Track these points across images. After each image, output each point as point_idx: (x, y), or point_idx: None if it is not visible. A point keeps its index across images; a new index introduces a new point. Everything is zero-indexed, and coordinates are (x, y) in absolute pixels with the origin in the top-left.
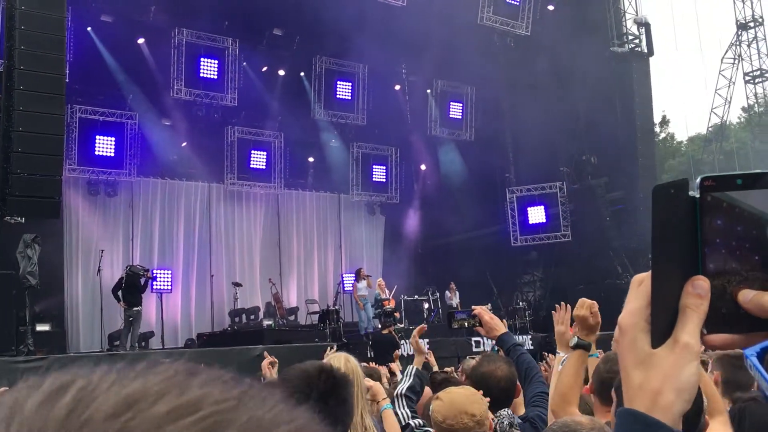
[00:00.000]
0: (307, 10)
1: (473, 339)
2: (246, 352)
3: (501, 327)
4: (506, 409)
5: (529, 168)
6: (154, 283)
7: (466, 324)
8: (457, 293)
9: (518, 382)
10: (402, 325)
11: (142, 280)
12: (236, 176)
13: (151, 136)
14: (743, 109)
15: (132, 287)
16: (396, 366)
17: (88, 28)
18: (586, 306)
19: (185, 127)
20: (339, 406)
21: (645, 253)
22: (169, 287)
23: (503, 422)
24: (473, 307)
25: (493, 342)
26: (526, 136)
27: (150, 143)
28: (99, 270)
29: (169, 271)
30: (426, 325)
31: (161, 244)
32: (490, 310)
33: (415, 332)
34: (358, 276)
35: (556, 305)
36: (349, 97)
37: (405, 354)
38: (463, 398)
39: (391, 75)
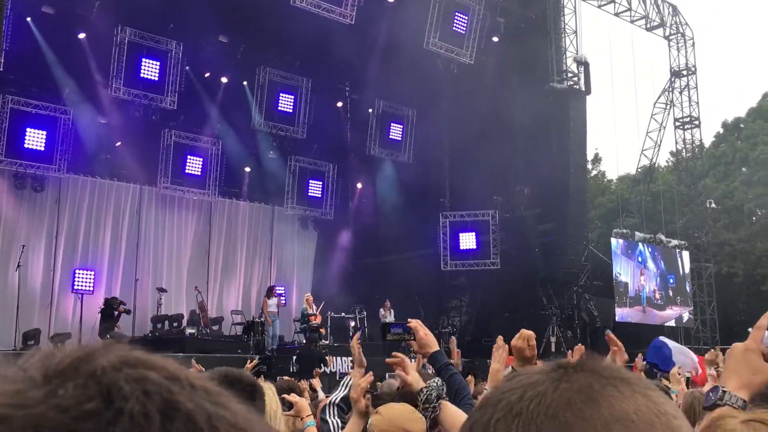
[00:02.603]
0: (255, 20)
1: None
2: None
3: (435, 344)
4: (436, 379)
5: (463, 194)
6: (75, 283)
7: (399, 338)
8: (392, 311)
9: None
10: (327, 342)
11: (116, 313)
12: (170, 180)
13: (84, 132)
14: (672, 153)
15: (107, 317)
16: (317, 382)
17: (28, 18)
18: (524, 337)
19: (121, 127)
20: None
21: (570, 285)
22: (91, 288)
23: (431, 394)
24: (409, 320)
25: (424, 360)
26: (463, 162)
27: (83, 140)
28: (18, 266)
29: (92, 272)
30: (359, 335)
31: (86, 244)
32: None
33: (354, 341)
34: (270, 293)
35: (497, 340)
36: (291, 110)
37: (330, 371)
38: (401, 414)
39: (334, 91)
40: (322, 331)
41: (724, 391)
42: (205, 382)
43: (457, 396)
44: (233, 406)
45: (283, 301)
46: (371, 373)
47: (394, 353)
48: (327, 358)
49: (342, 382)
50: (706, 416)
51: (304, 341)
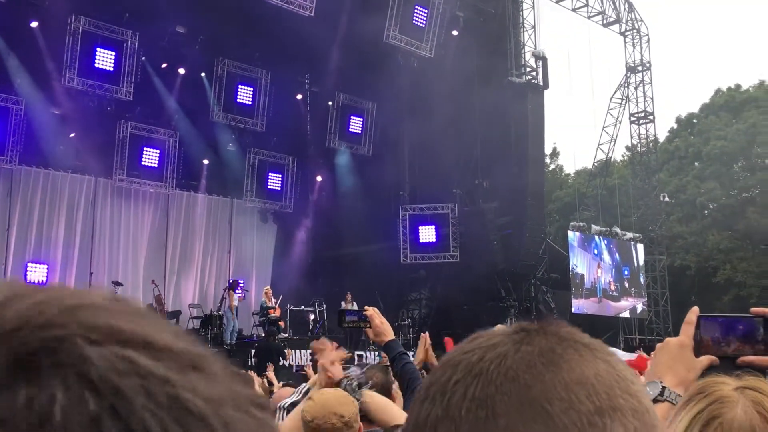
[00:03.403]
0: (213, 10)
1: (356, 353)
2: None
3: (390, 333)
4: (355, 368)
5: (423, 187)
6: (27, 277)
7: (355, 325)
8: (354, 304)
9: (399, 391)
10: (286, 335)
11: None
12: (126, 172)
13: (37, 123)
14: (627, 147)
15: None
16: (273, 375)
17: None
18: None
19: (75, 118)
20: None
21: (527, 277)
22: (44, 282)
23: (352, 383)
24: (366, 308)
25: (380, 347)
26: (423, 155)
27: (35, 131)
28: None
29: (45, 265)
30: (349, 354)
31: (38, 237)
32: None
33: (335, 359)
34: (234, 286)
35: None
36: (250, 102)
37: (288, 364)
38: (333, 399)
39: (294, 84)
40: (281, 324)
41: (663, 387)
42: (198, 356)
43: (409, 386)
44: (246, 392)
45: (242, 295)
46: (341, 349)
47: (317, 341)
48: (286, 351)
49: (298, 389)
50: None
51: (263, 334)
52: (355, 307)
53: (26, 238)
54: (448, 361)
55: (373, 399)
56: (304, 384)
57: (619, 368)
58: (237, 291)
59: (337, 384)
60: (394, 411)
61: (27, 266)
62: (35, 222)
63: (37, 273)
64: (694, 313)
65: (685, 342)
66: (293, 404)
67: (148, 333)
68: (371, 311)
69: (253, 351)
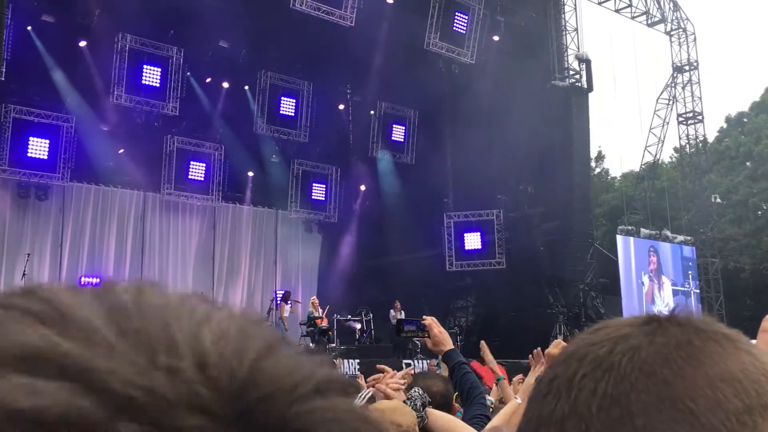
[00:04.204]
0: (255, 24)
1: (404, 361)
2: None
3: (449, 342)
4: (417, 389)
5: (467, 194)
6: None
7: (414, 334)
8: (402, 312)
9: (459, 402)
10: (334, 345)
11: None
12: (173, 186)
13: (87, 140)
14: (675, 149)
15: None
16: None
17: (29, 27)
18: (561, 347)
19: (123, 134)
20: None
21: (576, 283)
22: None
23: (416, 403)
24: (424, 317)
25: (438, 358)
26: (466, 162)
27: (86, 148)
28: (24, 275)
29: (98, 279)
30: (406, 381)
31: (91, 251)
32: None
33: (392, 385)
34: (286, 298)
35: (534, 351)
36: (293, 114)
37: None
38: (391, 409)
39: (336, 94)
40: (331, 333)
41: None
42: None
43: (469, 395)
44: None
45: (292, 306)
46: (410, 368)
47: (379, 366)
48: (336, 361)
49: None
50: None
51: (311, 344)
52: (403, 315)
53: (79, 253)
54: (572, 353)
55: (438, 417)
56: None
57: (765, 360)
58: (289, 303)
59: None
60: (459, 428)
61: (80, 280)
62: (87, 237)
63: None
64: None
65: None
66: None
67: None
68: (429, 320)
69: None
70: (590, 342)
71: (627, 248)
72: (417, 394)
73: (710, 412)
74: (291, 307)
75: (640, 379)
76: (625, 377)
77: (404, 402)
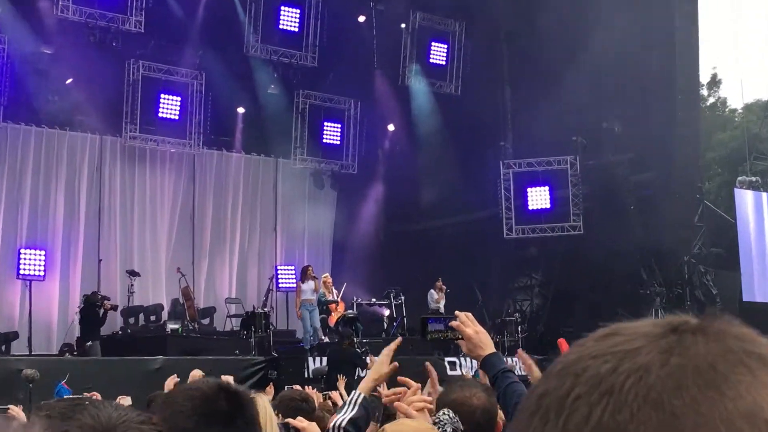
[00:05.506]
0: None
1: (447, 360)
2: (142, 365)
3: (489, 345)
4: (448, 411)
5: (531, 136)
6: (21, 267)
7: (442, 336)
8: (444, 294)
9: (503, 418)
10: (357, 339)
11: (102, 312)
12: (139, 128)
13: (23, 67)
14: None
15: (90, 320)
16: (337, 396)
17: None
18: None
19: (72, 58)
20: (248, 427)
21: (678, 254)
22: (42, 273)
23: (446, 429)
24: (456, 313)
25: (477, 364)
26: (530, 93)
27: (22, 78)
28: None
29: (42, 252)
30: (401, 338)
31: (33, 216)
32: None
33: (392, 346)
34: (304, 275)
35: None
36: (296, 29)
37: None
38: (412, 428)
39: (354, 2)
40: (359, 324)
41: None
42: None
43: (516, 408)
44: None
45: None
46: (399, 339)
47: (401, 379)
48: (368, 359)
49: (349, 399)
50: None
51: (324, 337)
52: (443, 303)
53: (17, 217)
54: (568, 365)
55: None
56: (355, 392)
57: None
58: (314, 280)
59: None
60: None
61: (20, 254)
62: (28, 196)
63: (32, 263)
64: None
65: None
66: (352, 421)
67: None
68: (463, 317)
69: (323, 359)
70: (593, 353)
71: (749, 206)
72: (447, 417)
73: None
74: (315, 285)
75: (643, 408)
76: (625, 404)
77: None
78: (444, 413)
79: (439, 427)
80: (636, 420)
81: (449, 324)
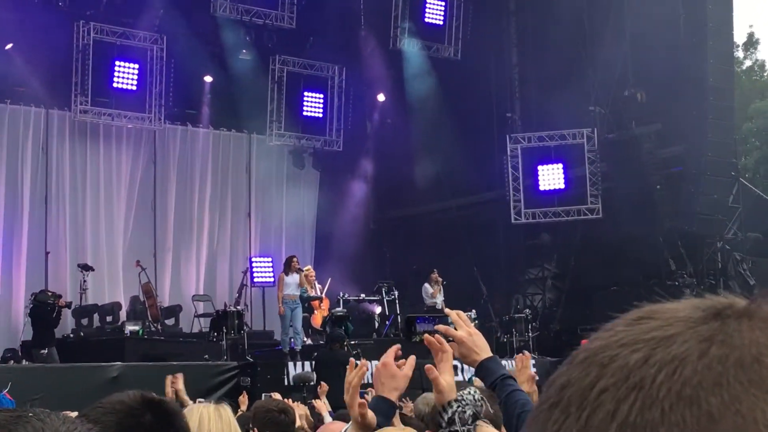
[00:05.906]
0: None
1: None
2: (97, 372)
3: (485, 349)
4: (474, 390)
5: (542, 106)
6: None
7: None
8: (442, 287)
9: (503, 430)
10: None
11: (54, 311)
12: (90, 100)
13: None
14: None
15: (41, 320)
16: (321, 404)
17: None
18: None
19: (12, 21)
20: None
21: (711, 239)
22: None
23: (464, 412)
24: (446, 311)
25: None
26: (540, 56)
27: None
28: None
29: None
30: (399, 346)
31: None
32: (474, 320)
33: (386, 359)
34: (288, 267)
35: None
36: None
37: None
38: None
39: None
40: (349, 323)
41: None
42: None
43: (519, 421)
44: None
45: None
46: (365, 362)
47: (446, 311)
48: (359, 363)
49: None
50: None
51: (306, 339)
52: (443, 293)
53: None
54: (594, 353)
55: None
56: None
57: None
58: (297, 273)
59: (439, 411)
60: None
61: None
62: None
63: None
64: None
65: None
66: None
67: None
68: (454, 316)
69: (311, 363)
70: (622, 340)
71: None
72: (471, 398)
73: None
74: (300, 278)
75: (676, 407)
76: (656, 401)
77: (448, 403)
78: (469, 392)
79: (458, 406)
80: (667, 420)
81: (436, 327)
